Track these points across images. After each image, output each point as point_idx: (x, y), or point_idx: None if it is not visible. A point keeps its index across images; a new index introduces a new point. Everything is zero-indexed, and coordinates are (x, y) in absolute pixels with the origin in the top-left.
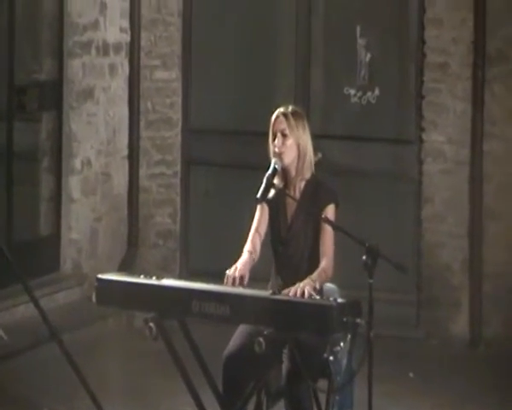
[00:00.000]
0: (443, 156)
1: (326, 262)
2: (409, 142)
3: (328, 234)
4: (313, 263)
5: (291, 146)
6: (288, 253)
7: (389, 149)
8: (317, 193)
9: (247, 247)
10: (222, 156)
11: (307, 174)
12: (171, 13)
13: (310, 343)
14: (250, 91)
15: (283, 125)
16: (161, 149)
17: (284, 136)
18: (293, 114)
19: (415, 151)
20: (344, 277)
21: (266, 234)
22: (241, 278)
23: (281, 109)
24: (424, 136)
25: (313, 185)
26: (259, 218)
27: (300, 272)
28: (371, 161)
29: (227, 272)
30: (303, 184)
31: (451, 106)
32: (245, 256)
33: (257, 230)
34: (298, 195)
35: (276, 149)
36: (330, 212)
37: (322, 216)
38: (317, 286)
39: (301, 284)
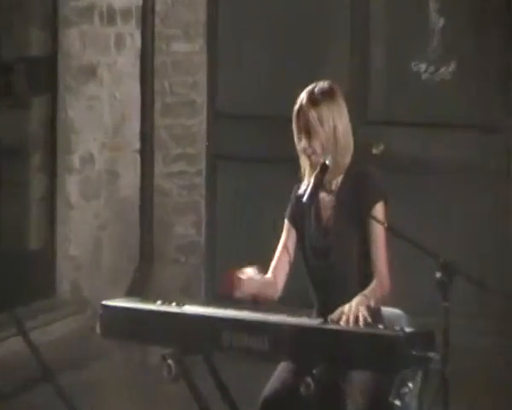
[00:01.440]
0: None
1: (380, 276)
2: (494, 129)
3: (379, 240)
4: (363, 278)
5: (319, 145)
6: (327, 266)
7: (469, 138)
8: (359, 187)
9: (272, 268)
10: (258, 149)
11: (345, 167)
12: None
13: (371, 384)
14: (292, 69)
15: (306, 120)
16: (182, 141)
17: (308, 134)
18: (319, 97)
19: (501, 141)
20: (412, 299)
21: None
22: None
23: (303, 97)
24: None
25: (354, 176)
26: (286, 237)
27: (346, 291)
28: (446, 152)
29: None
30: (340, 179)
31: None
32: (269, 277)
33: (283, 253)
34: (335, 193)
35: (303, 152)
36: (379, 213)
37: (373, 215)
38: (372, 305)
39: (353, 304)
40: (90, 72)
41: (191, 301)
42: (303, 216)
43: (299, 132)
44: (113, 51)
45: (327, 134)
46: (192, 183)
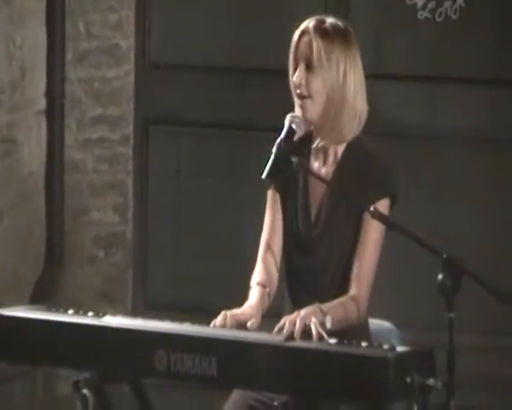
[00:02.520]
0: None
1: (359, 296)
2: None
3: (371, 240)
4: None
5: (318, 88)
6: (311, 266)
7: (482, 95)
8: (362, 173)
9: (257, 276)
10: (206, 109)
11: (348, 135)
12: None
13: None
14: (248, 5)
15: (309, 49)
16: (102, 99)
17: (309, 68)
18: (331, 31)
19: None
20: (407, 310)
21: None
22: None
23: (310, 22)
24: None
25: (357, 157)
26: (272, 218)
27: (328, 299)
28: (453, 115)
29: (222, 312)
30: (339, 151)
31: None
32: (255, 296)
33: (269, 242)
34: (330, 170)
35: (296, 90)
36: (382, 211)
37: (371, 209)
38: (329, 325)
39: (302, 313)
40: None
41: (114, 310)
42: (288, 191)
43: (296, 61)
44: None
45: (333, 77)
46: (115, 153)
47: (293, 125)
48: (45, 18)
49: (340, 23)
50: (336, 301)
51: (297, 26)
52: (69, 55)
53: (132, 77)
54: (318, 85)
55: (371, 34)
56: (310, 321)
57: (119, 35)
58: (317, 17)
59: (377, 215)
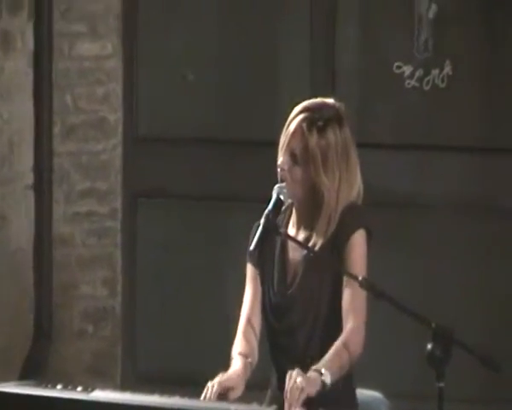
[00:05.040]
0: None
1: (350, 331)
2: (506, 151)
3: (356, 287)
4: (330, 346)
5: (300, 179)
6: (288, 327)
7: (471, 163)
8: (339, 223)
9: (238, 346)
10: (192, 182)
11: (327, 212)
12: None
13: None
14: (239, 77)
15: (296, 142)
16: (90, 173)
17: (293, 158)
18: (319, 125)
19: None
20: (396, 378)
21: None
22: (226, 391)
23: (300, 113)
24: None
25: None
26: (254, 288)
27: (307, 361)
28: (440, 183)
29: (208, 383)
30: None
31: None
32: (237, 365)
33: (250, 315)
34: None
35: (280, 172)
36: (358, 243)
37: (359, 278)
38: (328, 381)
39: (293, 374)
40: None
41: (103, 384)
42: (266, 260)
43: (284, 144)
44: None
45: (312, 173)
46: (103, 227)
47: (281, 196)
48: (32, 92)
49: (330, 109)
50: (331, 354)
51: (283, 100)
52: (57, 129)
53: (120, 150)
54: (301, 175)
55: (358, 103)
56: (301, 387)
57: (106, 108)
58: (310, 105)
59: (366, 285)
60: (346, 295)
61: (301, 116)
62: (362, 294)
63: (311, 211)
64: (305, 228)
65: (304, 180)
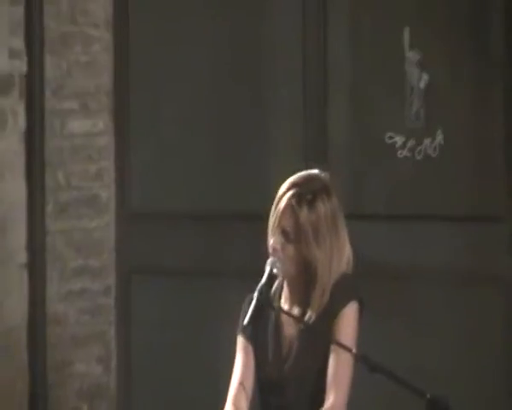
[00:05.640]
0: None
1: (335, 397)
2: (496, 219)
3: (342, 358)
4: None
5: (293, 256)
6: (284, 402)
7: (463, 232)
8: (332, 296)
9: None
10: (188, 258)
11: (320, 285)
12: (95, 23)
13: None
14: (229, 155)
15: (287, 219)
16: (83, 250)
17: (286, 236)
18: (309, 201)
19: (506, 234)
20: None
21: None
22: None
23: (289, 189)
24: None
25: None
26: (244, 359)
27: None
28: (432, 252)
29: None
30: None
31: None
32: None
33: (241, 381)
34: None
35: (271, 251)
36: (349, 315)
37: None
38: None
39: None
40: None
41: None
42: (259, 334)
43: (275, 223)
44: None
45: (305, 250)
46: (98, 305)
47: (275, 270)
48: (24, 171)
49: (316, 181)
50: None
51: (275, 174)
52: (49, 207)
53: (113, 227)
54: (294, 253)
55: (351, 174)
56: None
57: (98, 185)
58: (297, 180)
59: (359, 357)
60: (332, 365)
61: (290, 193)
62: (347, 366)
63: (304, 285)
64: (299, 302)
65: (297, 256)
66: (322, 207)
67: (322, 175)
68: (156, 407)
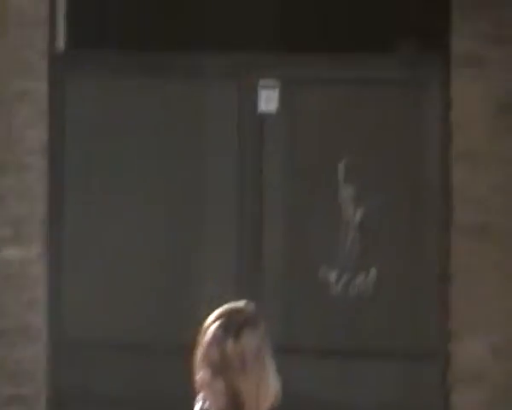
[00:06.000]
0: (483, 379)
1: None
2: (429, 355)
3: None
4: None
5: (220, 391)
6: None
7: (395, 370)
8: None
9: None
10: (119, 386)
11: None
12: (30, 150)
13: None
14: (160, 283)
15: (213, 351)
16: (14, 378)
17: (213, 369)
18: (237, 332)
19: (438, 370)
20: None
21: None
22: None
23: (216, 322)
24: (453, 346)
25: None
26: None
27: None
28: (363, 389)
29: None
30: None
31: (497, 295)
32: None
33: None
34: None
35: (198, 387)
36: None
37: None
38: None
39: None
40: None
41: None
42: None
43: (201, 359)
44: None
45: (232, 381)
46: None
47: (205, 406)
48: None
49: (242, 313)
50: None
51: (207, 304)
52: None
53: (44, 356)
54: (220, 386)
55: (284, 307)
56: None
57: (31, 314)
58: (222, 312)
59: None
60: None
61: (215, 325)
62: None
63: None
64: None
65: (225, 389)
66: (248, 338)
67: (249, 306)
68: None
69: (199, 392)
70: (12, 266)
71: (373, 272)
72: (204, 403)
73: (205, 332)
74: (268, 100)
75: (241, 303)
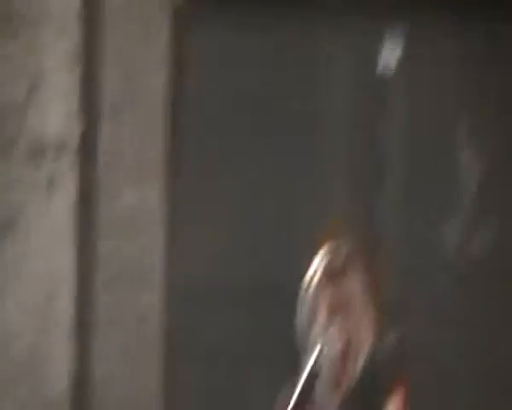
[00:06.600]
0: None
1: None
2: None
3: None
4: None
5: (335, 333)
6: None
7: None
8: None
9: None
10: (233, 333)
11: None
12: (154, 89)
13: None
14: (276, 228)
15: (330, 294)
16: (131, 321)
17: (332, 313)
18: (345, 271)
19: None
20: None
21: None
22: None
23: (324, 260)
24: None
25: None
26: None
27: None
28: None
29: None
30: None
31: None
32: None
33: None
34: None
35: (320, 333)
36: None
37: None
38: None
39: None
40: (7, 225)
41: None
42: None
43: (316, 305)
44: (41, 199)
45: (366, 316)
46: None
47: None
48: (73, 240)
49: (350, 247)
50: None
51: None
52: (98, 278)
53: (159, 301)
54: (336, 328)
55: (401, 265)
56: None
57: (148, 259)
58: (328, 250)
59: None
60: None
61: (323, 264)
62: None
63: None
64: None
65: (338, 332)
66: (356, 275)
67: (353, 244)
68: None
69: (314, 337)
70: (129, 210)
71: (493, 230)
72: (322, 347)
73: (314, 273)
74: (389, 53)
75: (345, 242)
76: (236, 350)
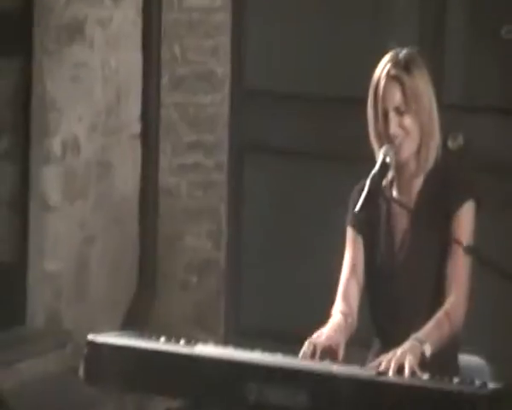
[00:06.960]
0: None
1: (452, 302)
2: None
3: (460, 258)
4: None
5: (412, 129)
6: (396, 294)
7: None
8: (442, 189)
9: (338, 306)
10: (300, 138)
11: (429, 164)
12: None
13: None
14: (346, 35)
15: (397, 96)
16: (197, 125)
17: (399, 112)
18: (411, 69)
19: None
20: (498, 344)
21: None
22: (331, 350)
23: (387, 66)
24: None
25: (437, 179)
26: (354, 252)
27: (417, 326)
28: None
29: (308, 340)
30: (421, 180)
31: None
32: (336, 319)
33: (352, 273)
34: (413, 198)
35: (392, 137)
36: (466, 216)
37: (465, 245)
38: (428, 352)
39: (398, 352)
40: (77, 30)
41: (206, 338)
42: (370, 225)
43: (384, 110)
44: (108, 4)
45: (426, 111)
46: (210, 180)
47: (387, 159)
48: (141, 42)
49: (413, 52)
50: (431, 324)
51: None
52: (165, 80)
53: (227, 103)
54: (412, 124)
55: (463, 67)
56: (405, 359)
57: (214, 61)
58: (392, 54)
59: (471, 251)
60: (451, 265)
61: (386, 68)
62: (466, 265)
63: (417, 160)
64: (406, 192)
65: (414, 127)
66: (420, 73)
67: (413, 49)
68: (265, 285)
69: (380, 144)
70: (196, 12)
71: None
72: (387, 154)
73: (377, 82)
74: None
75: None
76: None
